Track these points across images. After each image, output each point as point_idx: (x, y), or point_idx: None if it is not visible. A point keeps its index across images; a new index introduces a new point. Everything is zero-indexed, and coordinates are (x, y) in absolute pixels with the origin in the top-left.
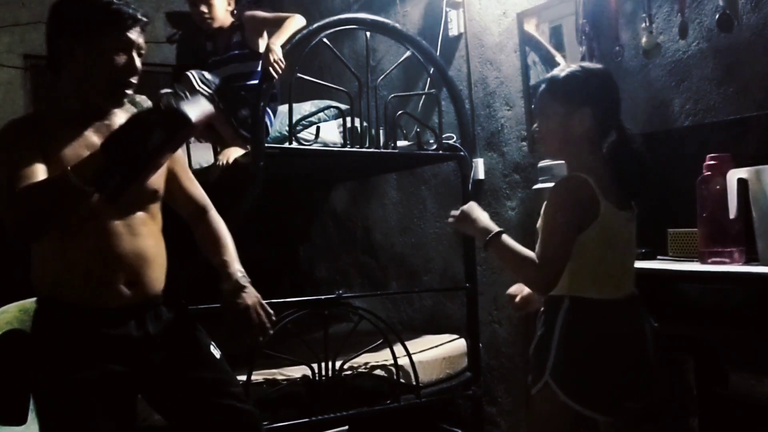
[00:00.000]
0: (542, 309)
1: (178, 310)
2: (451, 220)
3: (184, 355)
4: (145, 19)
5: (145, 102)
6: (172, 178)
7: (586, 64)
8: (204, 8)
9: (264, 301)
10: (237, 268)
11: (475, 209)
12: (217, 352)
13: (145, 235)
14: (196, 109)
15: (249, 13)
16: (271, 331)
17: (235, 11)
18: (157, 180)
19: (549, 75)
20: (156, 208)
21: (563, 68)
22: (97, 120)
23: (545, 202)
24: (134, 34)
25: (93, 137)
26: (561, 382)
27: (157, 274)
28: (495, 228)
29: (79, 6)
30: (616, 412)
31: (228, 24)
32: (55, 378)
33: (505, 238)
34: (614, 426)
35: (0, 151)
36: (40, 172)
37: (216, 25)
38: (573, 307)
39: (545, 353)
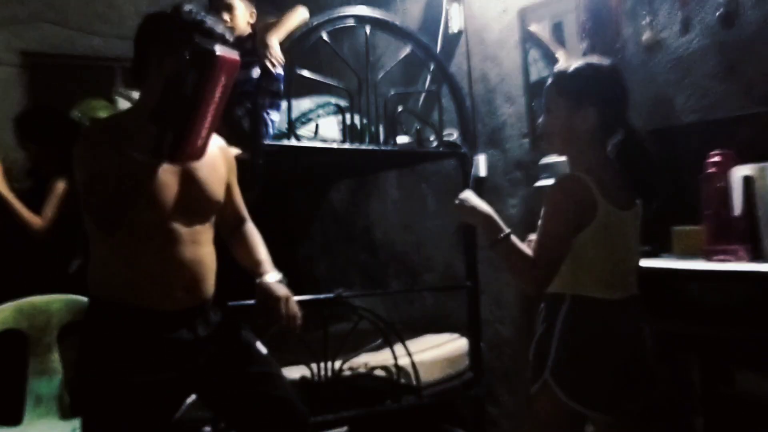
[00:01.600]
0: (542, 306)
1: (224, 311)
2: (454, 210)
3: (233, 352)
4: (231, 39)
5: None
6: (228, 189)
7: (595, 60)
8: (227, 17)
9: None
10: (272, 267)
11: (471, 197)
12: (263, 349)
13: (204, 244)
14: (219, 47)
15: (263, 23)
16: (299, 322)
17: (253, 23)
18: (220, 191)
19: (556, 69)
20: (213, 217)
21: (571, 63)
22: None
23: (545, 200)
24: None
25: None
26: (560, 380)
27: (211, 281)
28: (505, 228)
29: (174, 21)
30: (615, 412)
31: (245, 35)
32: (110, 378)
33: (514, 239)
34: (613, 426)
35: (85, 150)
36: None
37: (235, 34)
38: (574, 306)
39: (545, 352)
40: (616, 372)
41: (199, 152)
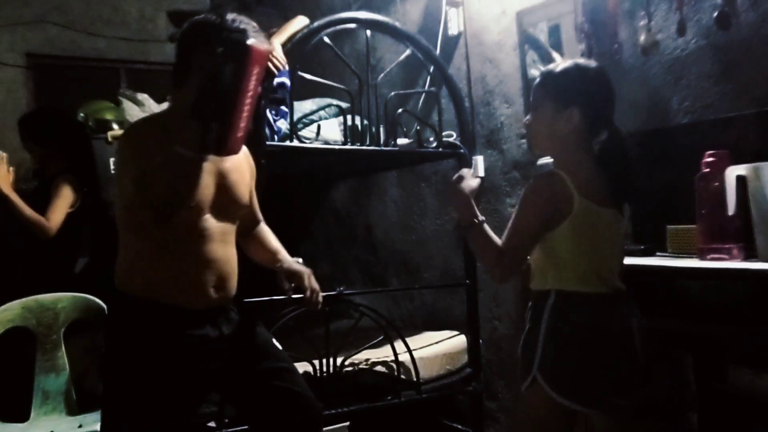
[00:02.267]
0: (530, 304)
1: (241, 309)
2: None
3: (251, 348)
4: (271, 49)
5: (147, 100)
6: (249, 193)
7: (582, 61)
8: None
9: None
10: (288, 255)
11: (466, 177)
12: (279, 345)
13: (231, 243)
14: (251, 39)
15: (266, 33)
16: (321, 298)
17: None
18: (246, 195)
19: (544, 69)
20: (238, 219)
21: (558, 64)
22: None
23: (522, 196)
24: None
25: None
26: (548, 376)
27: (235, 279)
28: (480, 216)
29: (219, 28)
30: (604, 407)
31: None
32: (138, 373)
33: (486, 227)
34: (607, 422)
35: (131, 146)
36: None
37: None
38: (558, 302)
39: (532, 348)
40: (604, 366)
41: (239, 145)
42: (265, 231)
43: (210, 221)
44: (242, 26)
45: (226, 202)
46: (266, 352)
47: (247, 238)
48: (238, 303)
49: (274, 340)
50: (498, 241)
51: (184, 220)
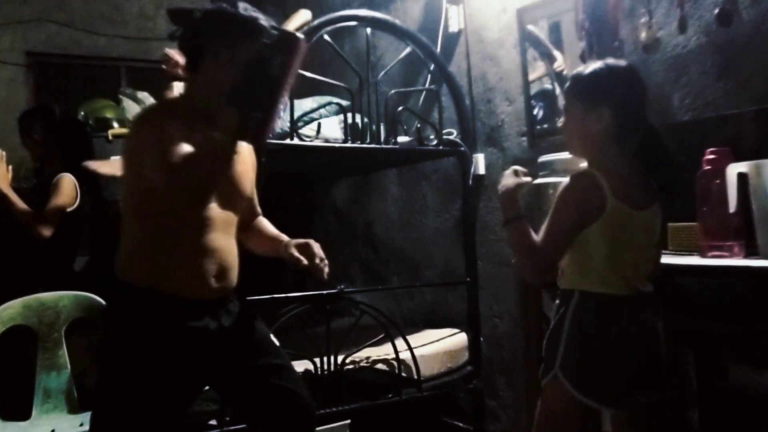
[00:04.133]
0: (557, 302)
1: (242, 303)
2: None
3: (248, 343)
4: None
5: (147, 98)
6: (251, 185)
7: (612, 61)
8: None
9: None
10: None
11: (519, 175)
12: (276, 341)
13: (233, 234)
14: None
15: None
16: (327, 267)
17: None
18: (250, 187)
19: (575, 72)
20: (240, 210)
21: (588, 65)
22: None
23: (558, 196)
24: None
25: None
26: (569, 374)
27: (236, 271)
28: (521, 212)
29: (232, 16)
30: (625, 406)
31: None
32: (135, 364)
33: (525, 223)
34: (625, 420)
35: (153, 130)
36: (188, 148)
37: None
38: (582, 301)
39: (555, 345)
40: (624, 367)
41: (269, 134)
42: (264, 221)
43: (214, 210)
44: (254, 15)
45: (231, 193)
46: (264, 348)
47: (245, 231)
48: (239, 299)
49: (272, 337)
50: (535, 238)
51: (191, 208)
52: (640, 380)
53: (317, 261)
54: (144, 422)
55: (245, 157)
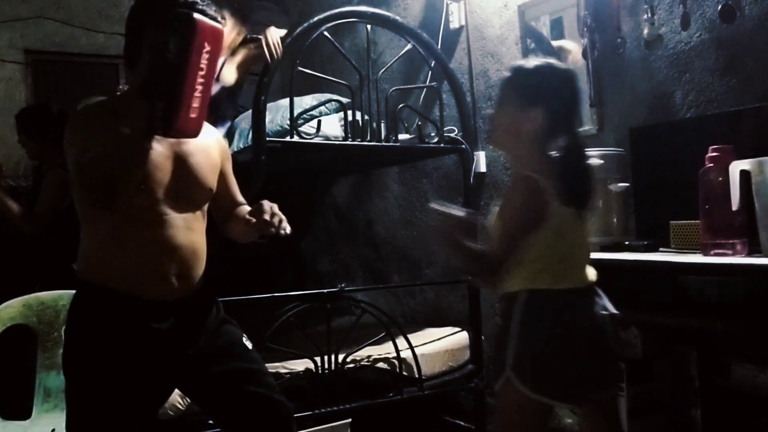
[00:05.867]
0: (501, 306)
1: (213, 304)
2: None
3: (218, 346)
4: (225, 20)
5: None
6: (221, 176)
7: (555, 62)
8: None
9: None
10: None
11: (453, 213)
12: (249, 344)
13: (197, 231)
14: (197, 14)
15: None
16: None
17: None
18: (213, 179)
19: (515, 64)
20: (206, 206)
21: (529, 60)
22: None
23: (502, 200)
24: None
25: None
26: (521, 373)
27: (202, 270)
28: (465, 242)
29: (166, 2)
30: (578, 401)
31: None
32: (96, 366)
33: (471, 244)
34: (590, 420)
35: (77, 129)
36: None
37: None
38: (530, 300)
39: (504, 349)
40: (576, 361)
41: (193, 126)
42: (244, 208)
43: (167, 206)
44: (191, 0)
45: (187, 186)
46: (235, 352)
47: (227, 223)
48: (209, 298)
49: (245, 340)
50: (482, 248)
51: (139, 204)
52: (592, 374)
53: (267, 216)
54: (113, 425)
55: (207, 147)
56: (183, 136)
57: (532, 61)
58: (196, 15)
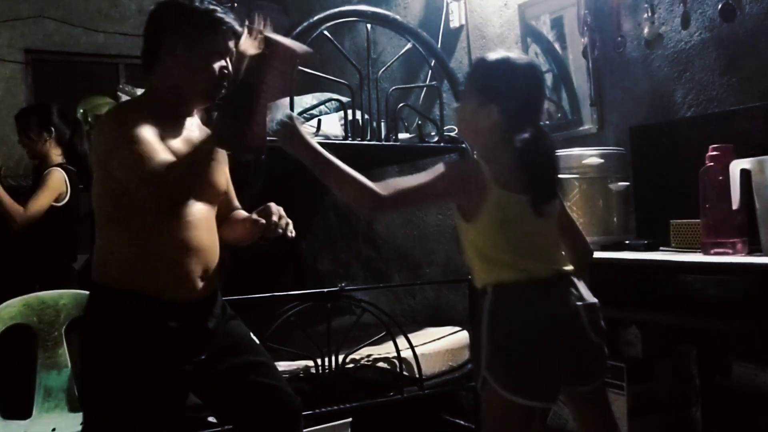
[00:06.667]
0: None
1: (222, 303)
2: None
3: (228, 342)
4: (241, 30)
5: None
6: (226, 179)
7: (515, 56)
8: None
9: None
10: None
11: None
12: (255, 339)
13: (215, 231)
14: (280, 37)
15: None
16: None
17: None
18: (224, 181)
19: (479, 57)
20: (216, 205)
21: (492, 53)
22: (181, 115)
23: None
24: (230, 43)
25: (179, 129)
26: (495, 374)
27: (217, 269)
28: (324, 151)
29: (186, 9)
30: (555, 398)
31: None
32: (119, 370)
33: (339, 166)
34: (580, 412)
35: (121, 129)
36: (163, 148)
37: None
38: (494, 296)
39: (479, 349)
40: (549, 355)
41: (261, 143)
42: (240, 212)
43: (194, 206)
44: (210, 7)
45: (207, 188)
46: (243, 346)
47: (222, 224)
48: (218, 298)
49: (252, 335)
50: (365, 181)
51: (167, 211)
52: (569, 368)
53: (275, 218)
54: (133, 428)
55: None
56: (251, 152)
57: (493, 55)
58: (281, 39)
